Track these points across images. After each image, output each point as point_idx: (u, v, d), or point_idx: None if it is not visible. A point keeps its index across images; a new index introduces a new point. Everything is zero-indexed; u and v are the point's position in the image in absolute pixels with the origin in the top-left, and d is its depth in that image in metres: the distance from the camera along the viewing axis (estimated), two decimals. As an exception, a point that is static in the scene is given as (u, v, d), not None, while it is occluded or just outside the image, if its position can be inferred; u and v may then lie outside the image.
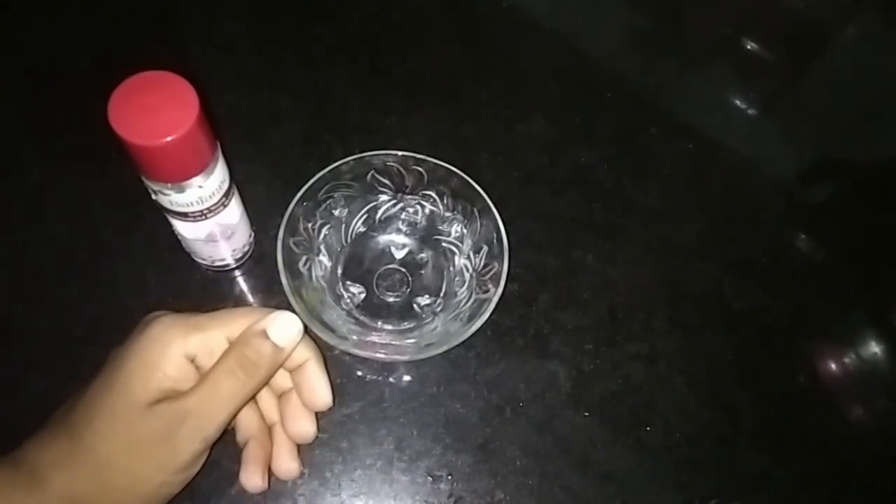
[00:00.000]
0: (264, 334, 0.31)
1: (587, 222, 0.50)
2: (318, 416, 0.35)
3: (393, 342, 0.42)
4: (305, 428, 0.34)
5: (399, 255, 0.46)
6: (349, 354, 0.42)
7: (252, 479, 0.33)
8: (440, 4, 0.61)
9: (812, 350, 0.48)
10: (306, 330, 0.33)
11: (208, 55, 0.55)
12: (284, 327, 0.31)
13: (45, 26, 0.55)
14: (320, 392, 0.34)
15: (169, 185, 0.34)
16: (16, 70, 0.53)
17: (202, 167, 0.34)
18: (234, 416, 0.31)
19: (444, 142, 0.52)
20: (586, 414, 0.43)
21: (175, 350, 0.30)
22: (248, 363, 0.30)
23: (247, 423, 0.35)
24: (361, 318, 0.43)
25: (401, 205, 0.46)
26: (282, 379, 0.35)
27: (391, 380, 0.43)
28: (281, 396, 0.35)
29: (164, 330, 0.30)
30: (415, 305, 0.44)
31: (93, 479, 0.29)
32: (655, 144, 0.55)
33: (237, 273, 0.45)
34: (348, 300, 0.44)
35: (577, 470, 0.41)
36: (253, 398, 0.34)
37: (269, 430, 0.35)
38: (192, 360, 0.31)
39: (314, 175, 0.42)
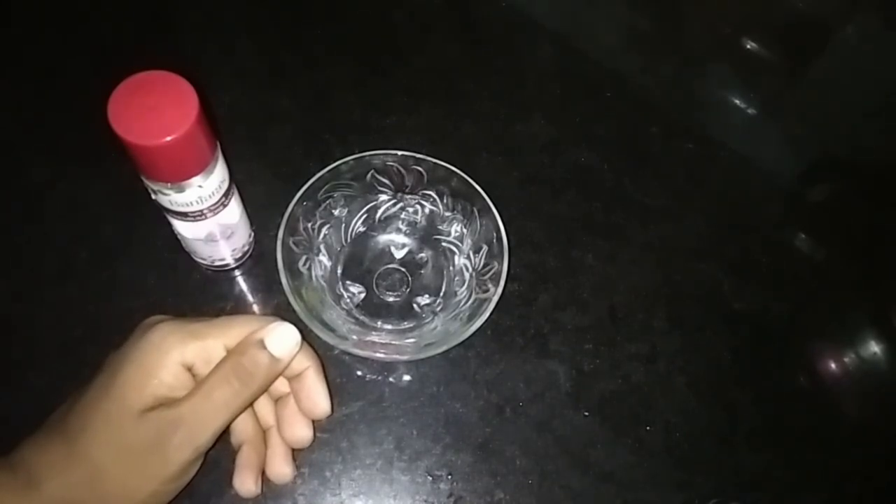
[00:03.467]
0: (262, 344, 0.31)
1: (587, 222, 0.50)
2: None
3: (393, 342, 0.42)
4: (302, 433, 0.34)
5: (399, 254, 0.46)
6: (349, 354, 0.42)
7: (245, 484, 0.33)
8: (440, 4, 0.61)
9: (812, 350, 0.48)
10: (306, 334, 0.33)
11: (208, 55, 0.55)
12: (283, 338, 0.31)
13: (45, 26, 0.55)
14: (319, 401, 0.34)
15: (169, 184, 0.34)
16: (16, 70, 0.53)
17: (202, 167, 0.34)
18: (228, 425, 0.31)
19: (443, 141, 0.52)
20: (586, 414, 0.43)
21: (173, 358, 0.30)
22: (244, 372, 0.30)
23: (242, 426, 0.34)
24: (361, 317, 0.43)
25: (400, 204, 0.46)
26: (279, 384, 0.35)
27: (391, 379, 0.43)
28: (278, 401, 0.35)
29: (162, 337, 0.30)
30: (414, 305, 0.44)
31: (86, 485, 0.29)
32: (655, 144, 0.55)
33: (237, 273, 0.45)
34: (348, 300, 0.44)
35: (576, 469, 0.41)
36: (248, 407, 0.34)
37: (264, 434, 0.35)
38: (190, 369, 0.31)
39: (314, 175, 0.42)
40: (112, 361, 0.31)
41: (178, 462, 0.29)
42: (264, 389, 0.32)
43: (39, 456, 0.29)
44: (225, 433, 0.34)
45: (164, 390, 0.29)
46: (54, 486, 0.28)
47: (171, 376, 0.30)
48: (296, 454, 0.35)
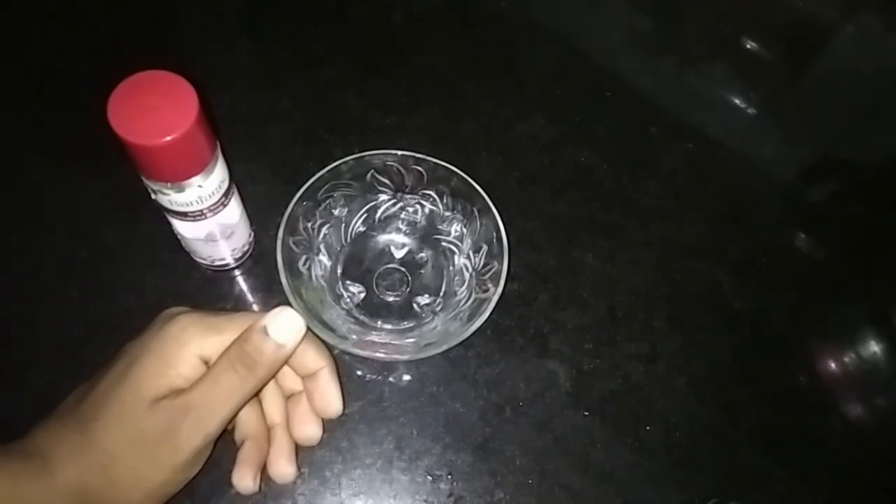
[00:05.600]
0: (264, 331, 0.31)
1: (587, 222, 0.50)
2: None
3: (393, 341, 0.42)
4: (312, 431, 0.35)
5: (399, 254, 0.46)
6: (349, 354, 0.42)
7: (244, 480, 0.33)
8: (440, 4, 0.61)
9: (812, 350, 0.48)
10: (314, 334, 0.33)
11: (208, 55, 0.55)
12: (285, 324, 0.31)
13: (45, 26, 0.55)
14: (332, 400, 0.34)
15: (168, 184, 0.34)
16: (16, 70, 0.53)
17: (202, 167, 0.34)
18: (236, 412, 0.31)
19: (443, 141, 0.52)
20: (586, 413, 0.43)
21: (191, 350, 0.30)
22: (248, 359, 0.30)
23: (246, 421, 0.34)
24: (361, 317, 0.43)
25: (400, 204, 0.46)
26: (291, 381, 0.35)
27: (391, 379, 0.43)
28: (289, 398, 0.35)
29: (182, 329, 0.30)
30: (414, 305, 0.44)
31: (100, 472, 0.29)
32: (655, 144, 0.55)
33: (237, 272, 0.45)
34: (348, 300, 0.44)
35: (576, 469, 0.41)
36: (256, 396, 0.34)
37: (268, 432, 0.35)
38: (207, 362, 0.31)
39: (314, 174, 0.42)
40: (130, 350, 0.31)
41: (188, 449, 0.29)
42: (271, 376, 0.32)
43: (54, 442, 0.29)
44: (230, 431, 0.35)
45: (181, 382, 0.30)
46: (69, 472, 0.28)
47: (188, 368, 0.30)
48: (296, 454, 0.35)
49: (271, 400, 0.35)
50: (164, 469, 0.29)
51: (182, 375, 0.30)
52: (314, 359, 0.33)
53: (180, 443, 0.29)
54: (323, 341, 0.38)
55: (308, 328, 0.33)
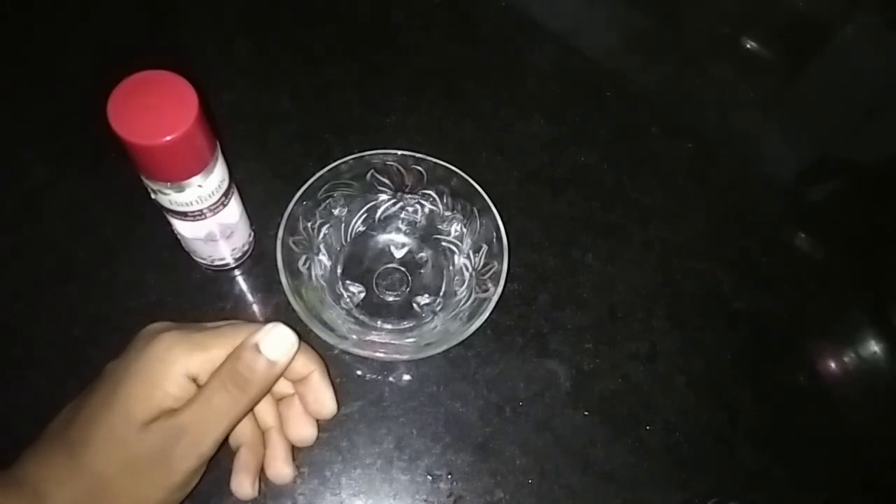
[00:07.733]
0: (257, 348, 0.30)
1: (587, 222, 0.50)
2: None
3: (392, 341, 0.42)
4: (307, 432, 0.34)
5: (399, 254, 0.46)
6: (349, 354, 0.42)
7: (242, 486, 0.33)
8: (440, 4, 0.61)
9: (812, 350, 0.48)
10: (306, 335, 0.33)
11: (208, 55, 0.55)
12: (278, 341, 0.31)
13: (45, 26, 0.55)
14: (326, 402, 0.34)
15: (168, 184, 0.34)
16: (16, 70, 0.53)
17: (201, 166, 0.34)
18: (231, 431, 0.30)
19: (443, 141, 0.52)
20: (586, 413, 0.43)
21: (177, 369, 0.30)
22: (240, 378, 0.30)
23: (240, 429, 0.34)
24: (361, 317, 0.43)
25: (400, 204, 0.46)
26: (282, 384, 0.35)
27: (391, 379, 0.43)
28: (281, 401, 0.35)
29: (167, 348, 0.30)
30: (414, 305, 0.44)
31: (93, 497, 0.29)
32: (655, 144, 0.55)
33: (237, 272, 0.45)
34: (348, 299, 0.44)
35: (576, 469, 0.41)
36: (250, 411, 0.33)
37: (263, 435, 0.35)
38: (194, 380, 0.30)
39: (314, 174, 0.42)
40: (114, 371, 0.30)
41: (183, 471, 0.29)
42: (265, 393, 0.31)
43: (44, 470, 0.29)
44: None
45: (170, 402, 0.29)
46: (62, 500, 0.28)
47: (176, 388, 0.29)
48: (295, 453, 0.35)
49: (263, 405, 0.35)
50: (159, 491, 0.29)
51: (171, 395, 0.29)
52: (304, 364, 0.33)
53: (175, 464, 0.29)
54: (323, 341, 0.38)
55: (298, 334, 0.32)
